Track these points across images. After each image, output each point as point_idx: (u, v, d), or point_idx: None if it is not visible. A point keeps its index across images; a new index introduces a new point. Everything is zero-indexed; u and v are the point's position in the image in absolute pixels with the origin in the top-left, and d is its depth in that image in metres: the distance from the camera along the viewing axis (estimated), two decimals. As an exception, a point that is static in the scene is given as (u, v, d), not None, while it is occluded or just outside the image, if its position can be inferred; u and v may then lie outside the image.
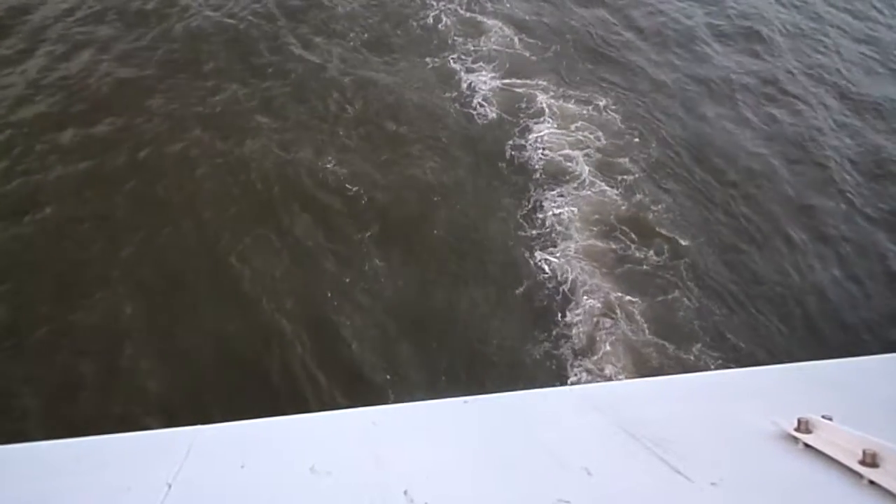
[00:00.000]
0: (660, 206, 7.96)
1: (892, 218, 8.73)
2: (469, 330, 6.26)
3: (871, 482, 1.41)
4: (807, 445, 1.59)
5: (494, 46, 10.03)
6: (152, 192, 6.98)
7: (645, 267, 7.21)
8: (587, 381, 5.81)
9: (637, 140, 8.91)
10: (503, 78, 9.46)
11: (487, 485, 1.51)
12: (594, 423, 1.78)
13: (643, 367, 6.21)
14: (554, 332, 6.37)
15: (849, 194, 8.98)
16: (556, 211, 7.59)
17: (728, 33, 11.84)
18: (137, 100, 8.01)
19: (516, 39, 10.30)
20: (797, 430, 1.61)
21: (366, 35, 9.79)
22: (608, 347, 6.30)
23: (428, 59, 9.57)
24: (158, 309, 5.93)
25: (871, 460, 1.42)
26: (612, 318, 6.55)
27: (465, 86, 9.18)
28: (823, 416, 1.61)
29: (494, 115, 8.81)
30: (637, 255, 7.30)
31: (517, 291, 6.71)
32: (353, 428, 1.66)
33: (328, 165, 7.53)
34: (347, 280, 6.43)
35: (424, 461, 1.57)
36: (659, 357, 6.32)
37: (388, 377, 5.68)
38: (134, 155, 7.32)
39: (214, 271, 6.33)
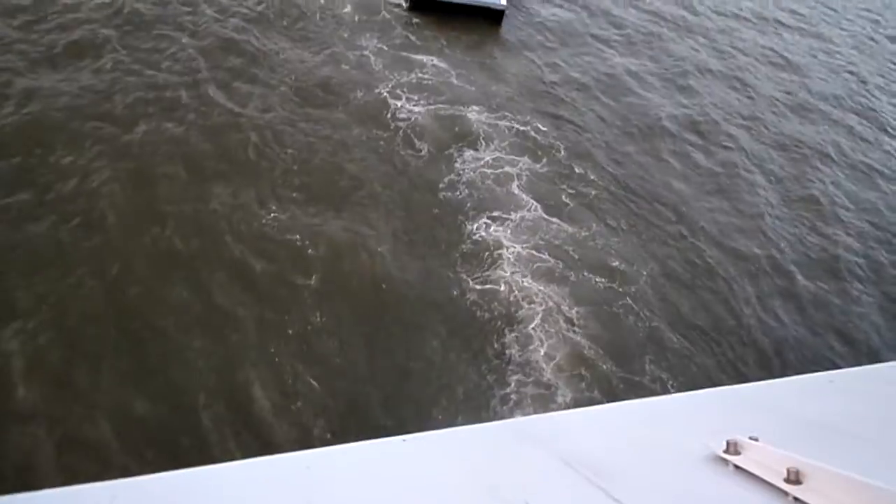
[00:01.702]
0: (598, 234, 8.22)
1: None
2: (412, 373, 6.19)
3: (796, 499, 1.45)
4: (737, 466, 1.63)
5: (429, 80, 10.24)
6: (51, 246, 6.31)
7: (587, 289, 7.36)
8: (529, 412, 5.84)
9: (576, 169, 9.22)
10: (438, 107, 9.62)
11: None
12: (533, 456, 1.78)
13: (585, 390, 6.29)
14: (499, 367, 6.39)
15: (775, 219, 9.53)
16: (496, 237, 7.70)
17: (666, 76, 12.49)
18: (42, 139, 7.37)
19: (453, 74, 10.55)
20: (726, 451, 1.65)
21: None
22: (550, 373, 6.36)
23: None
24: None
25: (794, 478, 1.46)
26: (558, 343, 6.64)
27: (399, 116, 9.27)
28: (750, 437, 1.66)
29: (430, 146, 8.91)
30: (579, 277, 7.46)
31: (459, 327, 6.71)
32: (284, 473, 1.60)
33: (264, 217, 7.22)
34: (287, 317, 6.28)
35: None
36: (601, 379, 6.43)
37: (324, 421, 5.51)
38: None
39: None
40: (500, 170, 8.76)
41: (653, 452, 1.79)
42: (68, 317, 5.73)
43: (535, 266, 7.45)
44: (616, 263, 7.88)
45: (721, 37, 14.27)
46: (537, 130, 9.74)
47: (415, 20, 11.64)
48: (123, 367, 5.53)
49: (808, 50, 14.90)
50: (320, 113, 9.07)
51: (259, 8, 10.76)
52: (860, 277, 9.05)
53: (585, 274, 7.56)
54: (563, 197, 8.68)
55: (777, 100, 12.63)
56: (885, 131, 12.76)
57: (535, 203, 8.35)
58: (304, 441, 5.23)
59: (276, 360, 5.86)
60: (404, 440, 1.77)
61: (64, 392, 5.24)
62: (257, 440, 5.21)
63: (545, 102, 10.65)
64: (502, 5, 12.22)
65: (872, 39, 16.35)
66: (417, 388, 6.03)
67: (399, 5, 11.95)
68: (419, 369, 6.19)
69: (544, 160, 9.20)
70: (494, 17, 12.30)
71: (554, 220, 8.20)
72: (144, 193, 7.12)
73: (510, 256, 7.48)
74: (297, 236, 7.05)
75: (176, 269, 6.46)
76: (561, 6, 13.53)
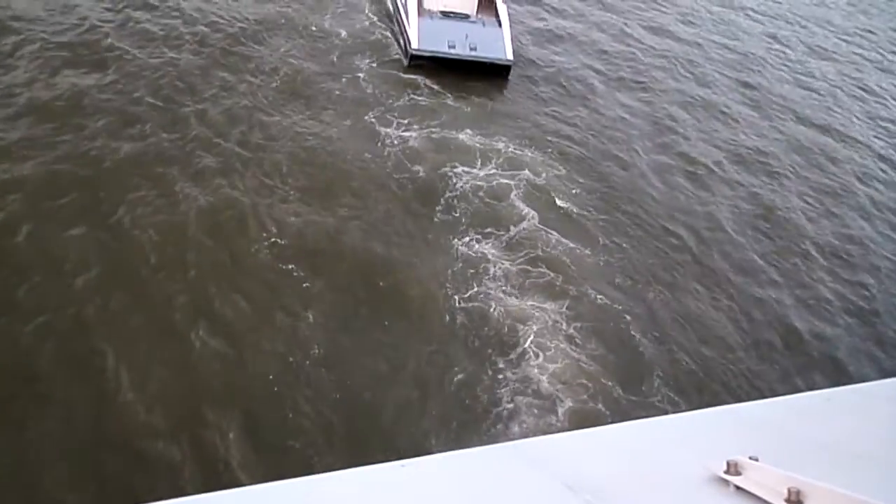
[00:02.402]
0: (598, 250, 8.28)
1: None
2: (411, 390, 6.15)
3: None
4: (737, 487, 1.62)
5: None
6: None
7: (587, 305, 7.35)
8: (529, 433, 5.80)
9: (573, 190, 9.27)
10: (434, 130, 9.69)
11: None
12: (533, 479, 1.76)
13: (584, 410, 6.26)
14: (498, 387, 6.36)
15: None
16: (494, 254, 7.74)
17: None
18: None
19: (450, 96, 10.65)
20: (727, 472, 1.64)
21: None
22: (550, 388, 6.33)
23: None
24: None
25: (795, 498, 1.45)
26: (560, 366, 6.61)
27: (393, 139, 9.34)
28: (751, 457, 1.65)
29: (426, 164, 8.97)
30: (578, 292, 7.46)
31: (458, 343, 6.69)
32: (280, 501, 1.57)
33: (256, 244, 7.24)
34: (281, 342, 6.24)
35: None
36: (600, 400, 6.40)
37: (323, 452, 5.43)
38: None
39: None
40: (494, 183, 8.84)
41: (653, 474, 1.78)
42: (42, 355, 5.65)
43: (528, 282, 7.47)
44: (619, 279, 7.90)
45: (710, 66, 14.47)
46: (533, 154, 9.82)
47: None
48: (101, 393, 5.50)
49: (793, 81, 15.07)
50: (315, 130, 9.14)
51: (248, 32, 10.92)
52: (853, 305, 9.00)
53: (583, 288, 7.57)
54: (560, 213, 8.74)
55: (764, 126, 12.75)
56: (871, 156, 12.84)
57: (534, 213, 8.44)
58: (300, 473, 5.14)
59: (275, 389, 5.82)
60: (403, 465, 1.75)
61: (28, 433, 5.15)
62: (255, 472, 5.15)
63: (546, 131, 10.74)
64: (509, 60, 11.45)
65: (858, 72, 16.54)
66: (420, 414, 5.99)
67: (399, 61, 11.40)
68: (421, 393, 6.15)
69: (543, 175, 9.28)
70: (501, 71, 11.55)
71: (553, 233, 8.24)
72: (125, 223, 7.16)
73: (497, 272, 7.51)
74: (292, 265, 7.05)
75: (165, 295, 6.44)
76: (560, 47, 13.55)
